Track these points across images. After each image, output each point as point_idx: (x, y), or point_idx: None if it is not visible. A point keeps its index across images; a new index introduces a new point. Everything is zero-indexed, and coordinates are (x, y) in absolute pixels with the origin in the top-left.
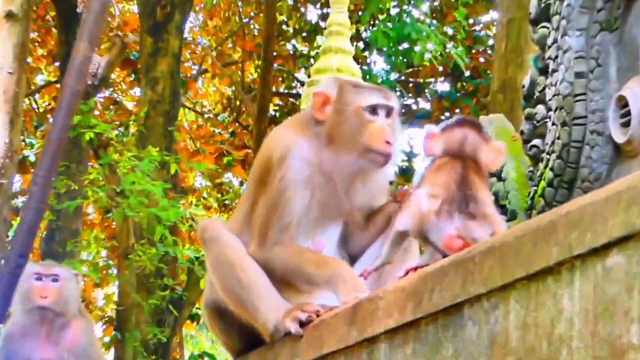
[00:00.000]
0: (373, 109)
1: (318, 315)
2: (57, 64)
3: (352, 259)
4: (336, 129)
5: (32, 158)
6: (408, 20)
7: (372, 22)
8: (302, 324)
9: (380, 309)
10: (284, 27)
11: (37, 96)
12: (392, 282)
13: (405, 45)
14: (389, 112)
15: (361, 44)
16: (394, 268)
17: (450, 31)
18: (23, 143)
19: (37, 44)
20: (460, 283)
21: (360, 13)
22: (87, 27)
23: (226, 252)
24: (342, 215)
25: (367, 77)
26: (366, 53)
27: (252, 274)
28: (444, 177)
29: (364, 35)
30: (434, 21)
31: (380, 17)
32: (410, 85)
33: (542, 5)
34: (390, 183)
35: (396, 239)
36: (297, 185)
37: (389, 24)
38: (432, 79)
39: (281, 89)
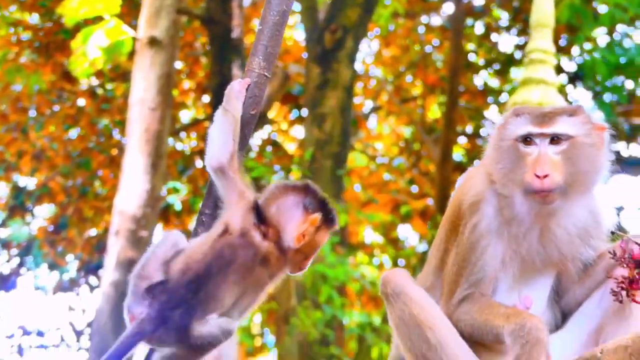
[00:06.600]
0: (525, 139)
1: None
2: (206, 98)
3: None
4: (495, 169)
5: (177, 206)
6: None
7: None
8: None
9: None
10: (472, 57)
11: (182, 135)
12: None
13: (620, 78)
14: (555, 139)
15: (562, 77)
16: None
17: None
18: (166, 189)
19: (183, 75)
20: None
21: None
22: (262, 40)
23: (412, 309)
24: (551, 267)
25: None
26: (568, 87)
27: (443, 334)
28: None
29: (565, 66)
30: None
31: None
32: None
33: None
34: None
35: None
36: (490, 236)
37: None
38: None
39: (468, 129)
